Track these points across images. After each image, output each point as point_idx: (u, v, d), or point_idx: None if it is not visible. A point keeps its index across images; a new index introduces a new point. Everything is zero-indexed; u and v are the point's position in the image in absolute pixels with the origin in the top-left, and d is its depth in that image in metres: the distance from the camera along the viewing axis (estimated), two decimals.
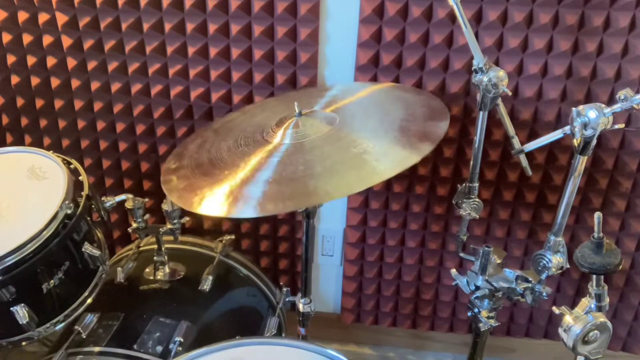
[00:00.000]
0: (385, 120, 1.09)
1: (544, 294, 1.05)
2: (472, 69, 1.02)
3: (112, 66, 1.42)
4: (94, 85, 1.45)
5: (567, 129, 0.90)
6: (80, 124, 1.51)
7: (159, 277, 1.29)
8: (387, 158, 0.98)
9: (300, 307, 1.25)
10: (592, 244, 0.85)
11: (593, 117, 0.85)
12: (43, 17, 1.38)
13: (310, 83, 1.38)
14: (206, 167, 1.07)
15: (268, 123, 1.13)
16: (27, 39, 1.41)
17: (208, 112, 1.46)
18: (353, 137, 1.03)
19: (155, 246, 1.31)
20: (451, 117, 1.10)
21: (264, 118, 1.19)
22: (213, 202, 0.97)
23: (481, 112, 1.06)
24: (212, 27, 1.34)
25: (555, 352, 1.68)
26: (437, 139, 1.00)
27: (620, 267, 0.85)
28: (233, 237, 1.46)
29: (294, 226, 1.61)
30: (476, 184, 1.15)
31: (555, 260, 1.00)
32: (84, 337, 1.12)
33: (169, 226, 1.28)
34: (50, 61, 1.43)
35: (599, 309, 0.86)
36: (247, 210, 0.93)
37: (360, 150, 0.99)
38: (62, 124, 1.52)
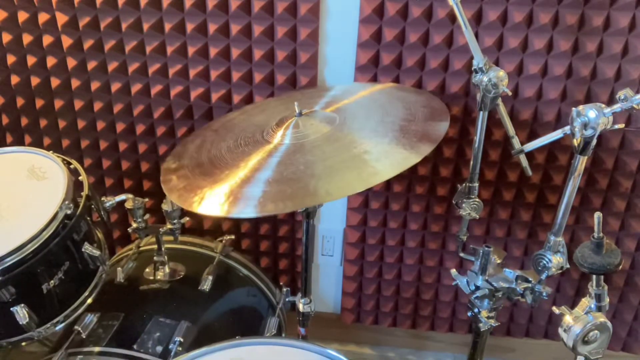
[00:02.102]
0: (386, 120, 1.09)
1: (544, 294, 1.05)
2: (472, 69, 1.02)
3: (112, 66, 1.42)
4: (94, 85, 1.45)
5: (567, 129, 0.90)
6: (80, 124, 1.51)
7: (159, 277, 1.29)
8: (387, 158, 0.98)
9: (300, 307, 1.25)
10: (592, 244, 0.85)
11: (593, 117, 0.85)
12: (43, 17, 1.38)
13: (310, 83, 1.38)
14: (206, 166, 1.07)
15: (268, 123, 1.13)
16: (27, 39, 1.41)
17: (208, 112, 1.46)
18: (353, 137, 1.03)
19: (155, 246, 1.31)
20: (451, 117, 1.10)
21: (264, 118, 1.19)
22: (213, 202, 0.97)
23: (481, 112, 1.06)
24: (212, 27, 1.34)
25: (555, 352, 1.68)
26: (437, 139, 1.01)
27: (620, 267, 0.85)
28: (233, 237, 1.46)
29: (294, 226, 1.61)
30: (476, 184, 1.15)
31: (555, 260, 1.00)
32: (84, 337, 1.12)
33: (169, 226, 1.28)
34: (50, 61, 1.43)
35: (599, 309, 0.86)
36: (248, 210, 0.93)
37: (360, 150, 0.99)
38: (62, 124, 1.52)
